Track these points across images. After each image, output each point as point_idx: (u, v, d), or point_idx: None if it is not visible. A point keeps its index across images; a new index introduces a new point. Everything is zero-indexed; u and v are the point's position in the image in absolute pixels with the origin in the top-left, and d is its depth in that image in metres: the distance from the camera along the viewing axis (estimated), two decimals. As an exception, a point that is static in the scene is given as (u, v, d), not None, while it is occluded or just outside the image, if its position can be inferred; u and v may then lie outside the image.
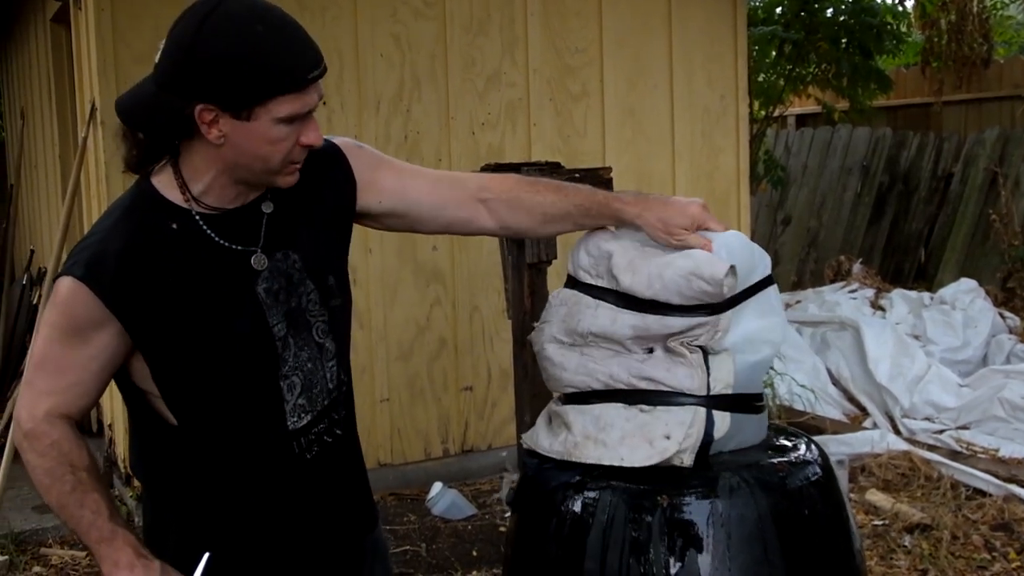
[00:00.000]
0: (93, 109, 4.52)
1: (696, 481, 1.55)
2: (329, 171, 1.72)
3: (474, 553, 4.17)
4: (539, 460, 1.70)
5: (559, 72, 5.28)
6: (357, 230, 4.98)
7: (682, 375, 1.59)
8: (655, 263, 1.60)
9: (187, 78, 1.48)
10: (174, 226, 1.58)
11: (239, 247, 1.61)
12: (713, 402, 1.59)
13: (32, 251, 7.05)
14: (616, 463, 1.58)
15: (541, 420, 1.78)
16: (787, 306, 7.15)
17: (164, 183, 1.61)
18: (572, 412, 1.67)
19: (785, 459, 1.64)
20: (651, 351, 1.62)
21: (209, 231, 1.60)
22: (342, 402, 1.74)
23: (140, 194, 1.62)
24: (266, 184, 1.61)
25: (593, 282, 1.68)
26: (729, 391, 1.59)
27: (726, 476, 1.55)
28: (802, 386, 5.58)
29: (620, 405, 1.62)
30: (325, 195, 1.71)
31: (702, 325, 1.59)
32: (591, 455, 1.61)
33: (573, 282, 1.73)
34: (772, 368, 5.33)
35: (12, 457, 4.35)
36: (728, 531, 1.51)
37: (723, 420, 1.58)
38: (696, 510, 1.53)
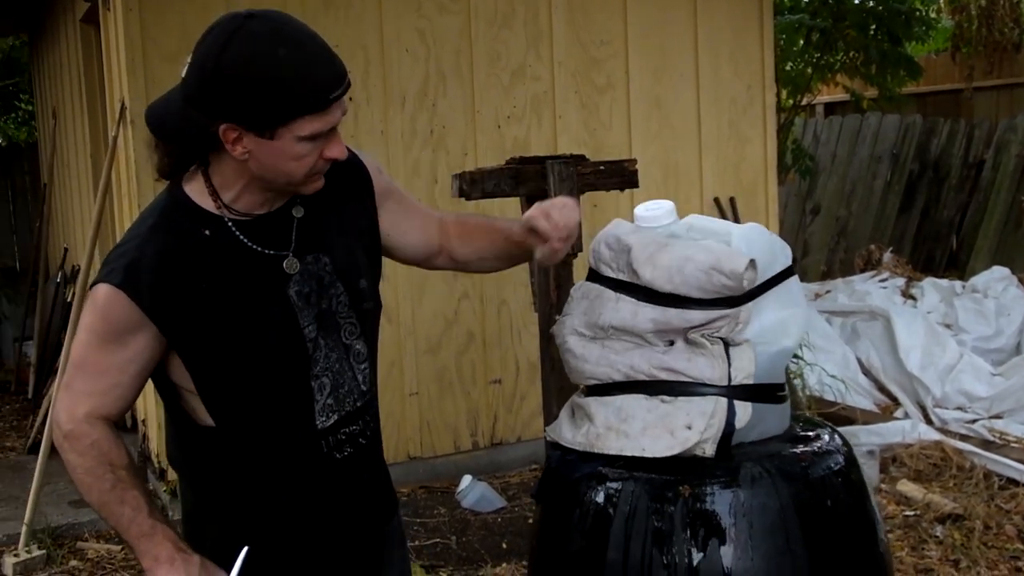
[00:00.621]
0: (123, 108, 4.57)
1: (718, 471, 1.55)
2: (357, 184, 1.79)
3: (504, 545, 4.19)
4: (562, 452, 1.71)
5: (584, 65, 5.27)
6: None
7: (703, 365, 1.59)
8: (675, 257, 1.60)
9: (212, 97, 1.51)
10: (207, 232, 1.62)
11: (271, 251, 1.65)
12: (734, 392, 1.59)
13: (66, 249, 7.14)
14: (638, 454, 1.59)
15: (564, 412, 1.79)
16: (816, 296, 7.11)
17: (195, 190, 1.64)
18: (594, 404, 1.68)
19: (808, 449, 1.64)
20: (672, 343, 1.62)
21: (242, 236, 1.63)
22: (374, 404, 1.79)
23: (173, 201, 1.65)
24: (291, 192, 1.66)
25: (614, 275, 1.69)
26: (750, 381, 1.59)
27: (748, 466, 1.56)
28: (832, 376, 5.55)
29: (642, 396, 1.63)
30: (353, 204, 1.78)
31: (723, 317, 1.59)
32: (613, 446, 1.62)
33: (595, 275, 1.74)
34: (802, 359, 5.31)
35: (48, 453, 4.42)
36: (750, 521, 1.51)
37: (744, 410, 1.58)
38: (718, 500, 1.53)
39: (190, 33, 4.41)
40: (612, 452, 1.62)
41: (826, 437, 1.69)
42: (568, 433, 1.71)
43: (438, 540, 4.27)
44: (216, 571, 1.62)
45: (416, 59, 4.90)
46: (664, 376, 1.61)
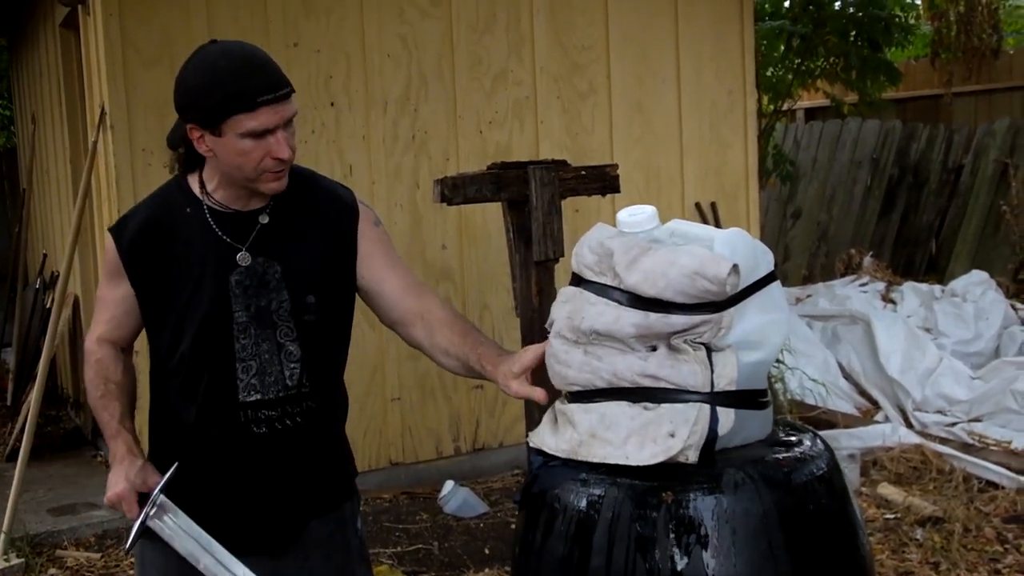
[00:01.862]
0: (103, 114, 4.54)
1: (701, 477, 1.55)
2: (342, 219, 2.04)
3: (486, 551, 4.19)
4: (545, 458, 1.70)
5: (566, 70, 5.29)
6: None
7: (686, 372, 1.59)
8: (658, 261, 1.59)
9: (178, 105, 1.90)
10: (188, 210, 1.98)
11: (230, 241, 1.96)
12: (717, 399, 1.59)
13: (45, 255, 7.09)
14: (622, 461, 1.58)
15: (546, 418, 1.78)
16: (797, 300, 7.14)
17: (192, 179, 2.01)
18: (577, 411, 1.67)
19: (790, 454, 1.64)
20: (654, 349, 1.62)
21: (212, 221, 1.96)
22: (302, 402, 1.99)
23: (175, 183, 2.04)
24: (252, 188, 1.93)
25: (596, 279, 1.68)
26: (733, 387, 1.59)
27: (731, 472, 1.55)
28: (813, 380, 5.57)
29: (625, 403, 1.62)
30: (329, 233, 2.01)
31: (705, 323, 1.59)
32: (597, 453, 1.61)
33: (577, 279, 1.74)
34: (782, 363, 5.33)
35: (27, 461, 4.39)
36: (733, 527, 1.51)
37: (727, 416, 1.58)
38: (701, 506, 1.52)
39: (171, 39, 4.42)
40: (596, 460, 1.62)
41: (808, 442, 1.69)
42: (551, 440, 1.71)
43: (420, 546, 4.26)
44: (152, 475, 1.94)
45: (398, 64, 4.89)
46: (647, 383, 1.61)
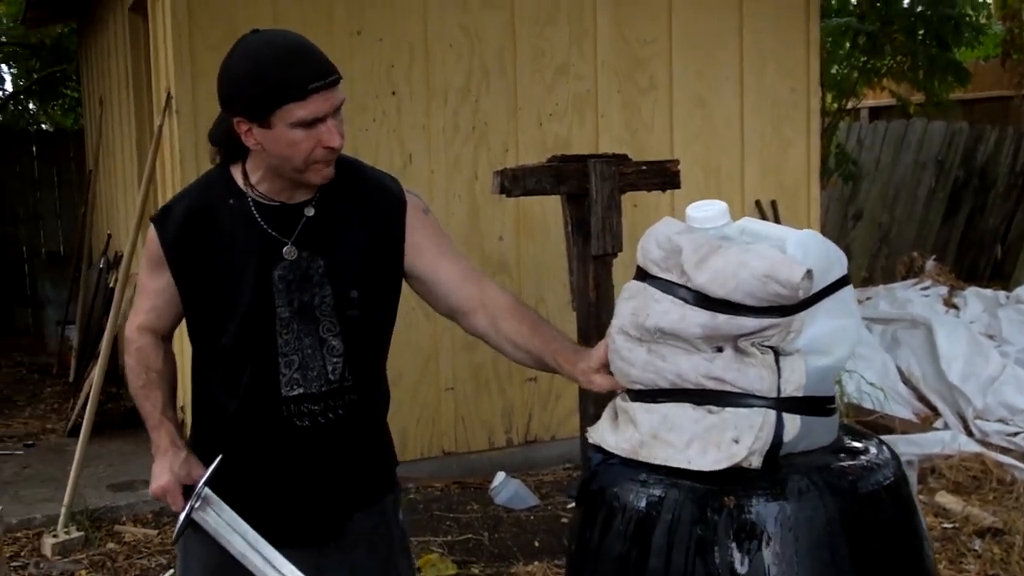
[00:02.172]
0: (168, 98, 4.61)
1: (764, 482, 1.52)
2: (389, 211, 1.99)
3: (536, 544, 4.19)
4: (604, 455, 1.68)
5: (627, 64, 5.25)
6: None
7: (752, 376, 1.55)
8: (729, 261, 1.55)
9: (223, 98, 1.86)
10: (231, 201, 1.93)
11: (275, 234, 1.92)
12: (783, 404, 1.55)
13: (109, 236, 7.22)
14: (683, 466, 1.56)
15: (606, 415, 1.76)
16: (857, 302, 7.03)
17: (236, 169, 1.96)
18: (639, 410, 1.65)
19: (856, 462, 1.60)
20: (720, 350, 1.58)
21: (257, 214, 1.92)
22: (344, 396, 1.97)
23: (217, 172, 1.99)
24: (300, 180, 1.88)
25: (662, 275, 1.64)
26: (800, 393, 1.55)
27: (795, 478, 1.52)
28: (871, 384, 5.48)
29: (688, 405, 1.59)
30: (374, 225, 1.97)
31: (774, 326, 1.55)
32: (658, 455, 1.59)
33: (642, 274, 1.70)
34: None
35: (88, 437, 4.48)
36: (796, 534, 1.48)
37: (793, 423, 1.55)
38: (763, 512, 1.49)
39: (236, 23, 4.45)
40: (656, 462, 1.59)
41: (874, 450, 1.65)
42: (611, 437, 1.68)
43: (470, 536, 4.27)
44: (197, 467, 1.93)
45: (460, 55, 4.90)
46: (712, 385, 1.58)
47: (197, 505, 1.87)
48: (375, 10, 4.72)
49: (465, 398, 5.03)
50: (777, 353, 1.57)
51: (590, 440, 1.74)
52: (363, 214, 1.97)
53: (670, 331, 1.60)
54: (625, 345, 1.67)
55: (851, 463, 1.59)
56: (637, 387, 1.66)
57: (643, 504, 1.57)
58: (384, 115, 4.77)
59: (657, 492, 1.56)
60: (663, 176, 3.59)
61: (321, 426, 1.95)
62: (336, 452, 1.99)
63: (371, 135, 4.73)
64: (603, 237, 3.37)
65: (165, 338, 2.07)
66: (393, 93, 4.78)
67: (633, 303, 1.67)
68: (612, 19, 5.19)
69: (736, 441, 1.53)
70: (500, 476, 4.71)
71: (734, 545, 1.49)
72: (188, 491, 1.90)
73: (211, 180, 1.99)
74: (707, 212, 1.66)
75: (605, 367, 1.75)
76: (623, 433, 1.66)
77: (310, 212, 1.93)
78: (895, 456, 1.66)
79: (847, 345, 1.63)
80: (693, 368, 1.59)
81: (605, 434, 1.71)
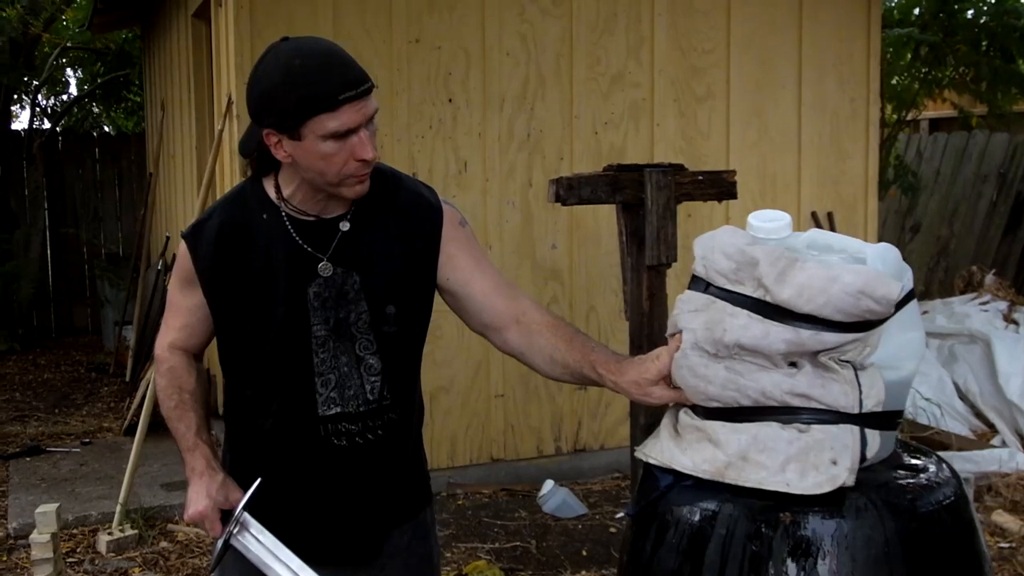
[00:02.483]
0: (230, 102, 4.68)
1: (821, 499, 1.49)
2: (424, 223, 1.93)
3: (584, 553, 4.17)
4: (676, 476, 1.61)
5: (684, 73, 5.23)
6: (477, 223, 4.96)
7: (836, 392, 1.51)
8: (816, 276, 1.50)
9: (252, 109, 1.79)
10: (265, 216, 1.88)
11: (310, 249, 1.86)
12: (865, 420, 1.52)
13: (168, 237, 7.33)
14: (782, 488, 1.50)
15: (665, 433, 1.68)
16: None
17: (268, 182, 1.90)
18: (722, 430, 1.57)
19: (915, 480, 1.56)
20: (794, 365, 1.54)
21: (291, 229, 1.86)
22: (383, 415, 1.92)
23: (251, 185, 1.93)
24: (335, 194, 1.83)
25: (732, 288, 1.58)
26: (879, 408, 1.52)
27: (853, 496, 1.49)
28: (927, 399, 5.40)
29: (775, 424, 1.54)
30: (411, 239, 1.91)
31: (855, 341, 1.51)
32: (750, 478, 1.52)
33: (705, 285, 1.63)
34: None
35: (144, 436, 4.55)
36: (852, 553, 1.45)
37: (874, 439, 1.52)
38: (820, 529, 1.47)
39: (297, 30, 4.50)
40: (748, 484, 1.52)
41: (934, 468, 1.62)
42: (684, 459, 1.60)
43: (518, 543, 4.27)
44: (234, 491, 1.87)
45: (517, 62, 4.91)
46: (796, 402, 1.52)
47: (235, 530, 1.83)
48: (433, 18, 4.75)
49: (515, 405, 5.03)
50: (854, 368, 1.54)
51: (653, 460, 1.65)
52: (399, 228, 1.91)
53: (751, 347, 1.54)
54: (701, 362, 1.59)
55: (911, 481, 1.56)
56: (714, 405, 1.59)
57: (697, 518, 1.54)
58: (440, 122, 4.80)
59: (711, 506, 1.54)
60: (720, 187, 3.56)
61: (359, 446, 1.90)
62: (375, 471, 1.94)
63: (427, 142, 4.76)
64: (658, 247, 3.35)
65: (197, 356, 2.02)
66: (449, 100, 4.81)
67: (704, 317, 1.59)
68: (670, 28, 5.17)
69: (834, 462, 1.48)
70: (548, 484, 4.71)
71: (789, 562, 1.46)
72: (226, 516, 1.85)
73: (243, 194, 1.92)
74: (773, 223, 1.61)
75: (665, 379, 1.66)
76: (700, 453, 1.59)
77: (345, 227, 1.87)
78: (955, 474, 1.63)
79: (916, 358, 1.60)
80: (776, 385, 1.53)
81: (676, 454, 1.62)
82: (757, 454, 1.53)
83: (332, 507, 1.94)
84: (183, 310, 1.96)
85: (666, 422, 1.70)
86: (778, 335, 1.52)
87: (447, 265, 1.93)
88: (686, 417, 1.65)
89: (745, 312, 1.56)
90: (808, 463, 1.51)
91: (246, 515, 1.84)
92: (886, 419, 1.56)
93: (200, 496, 1.86)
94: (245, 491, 1.85)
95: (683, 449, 1.62)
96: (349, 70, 1.73)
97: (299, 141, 1.73)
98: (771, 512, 1.49)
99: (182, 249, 1.92)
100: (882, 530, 1.47)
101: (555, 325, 1.88)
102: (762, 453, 1.53)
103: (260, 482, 1.85)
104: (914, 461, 1.64)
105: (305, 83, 1.69)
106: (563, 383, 5.00)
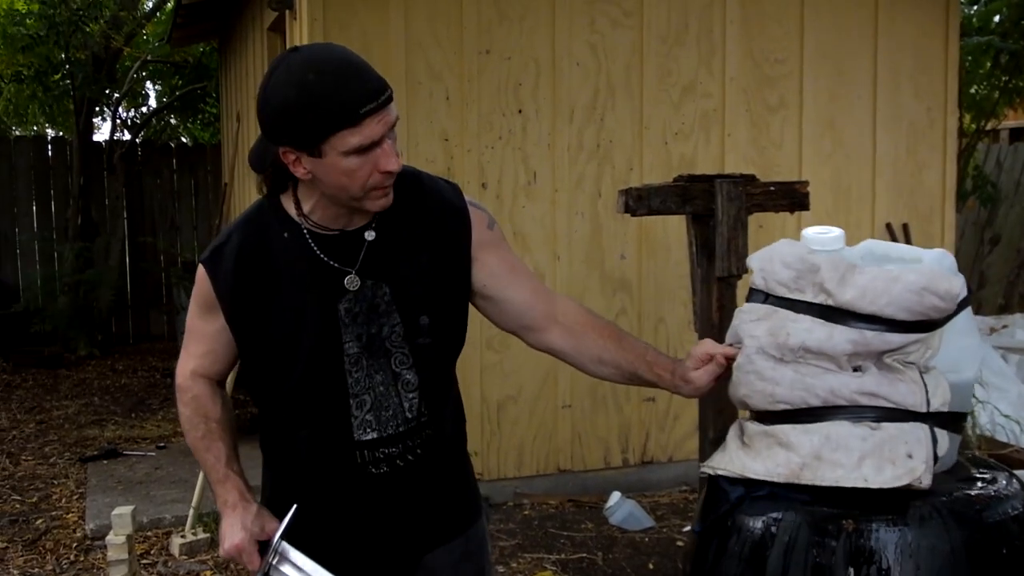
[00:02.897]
0: (303, 114, 4.74)
1: (885, 507, 1.48)
2: (453, 226, 1.85)
3: (650, 566, 4.15)
4: (746, 487, 1.60)
5: (756, 82, 5.18)
6: (546, 233, 4.97)
7: (904, 391, 1.52)
8: (878, 277, 1.52)
9: (266, 127, 1.69)
10: (285, 235, 1.79)
11: (336, 265, 1.78)
12: (933, 419, 1.52)
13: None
14: (859, 484, 1.50)
15: (733, 443, 1.68)
16: (992, 330, 6.76)
17: (286, 199, 1.81)
18: (793, 432, 1.57)
19: (982, 491, 1.55)
20: (858, 369, 1.54)
21: (314, 245, 1.78)
22: (423, 432, 1.84)
23: (267, 204, 1.83)
24: (358, 208, 1.75)
25: (791, 296, 1.60)
26: (946, 408, 1.52)
27: (917, 504, 1.48)
28: (1005, 416, 5.25)
29: (846, 423, 1.54)
30: (441, 243, 1.84)
31: (918, 342, 1.52)
32: (827, 476, 1.53)
33: (764, 296, 1.66)
34: (974, 395, 5.05)
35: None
36: (917, 562, 1.44)
37: (943, 438, 1.52)
38: (884, 538, 1.45)
39: (370, 43, 4.58)
40: (825, 483, 1.53)
41: (1003, 480, 1.60)
42: (756, 465, 1.60)
43: (584, 555, 4.26)
44: (270, 521, 1.79)
45: (586, 73, 4.91)
46: (865, 401, 1.53)
47: (275, 561, 1.76)
48: (504, 29, 4.78)
49: (582, 416, 5.02)
50: (919, 369, 1.53)
51: (721, 471, 1.65)
52: (427, 232, 1.83)
53: (816, 350, 1.56)
54: (767, 365, 1.60)
55: (977, 491, 1.54)
56: (782, 407, 1.60)
57: (759, 525, 1.54)
58: (510, 133, 4.82)
59: (774, 514, 1.53)
60: (792, 197, 3.52)
61: (400, 470, 1.83)
62: (417, 493, 1.87)
63: (496, 152, 4.79)
64: (728, 258, 3.33)
65: (220, 383, 1.94)
66: (519, 111, 4.83)
67: (767, 324, 1.62)
68: (742, 38, 5.13)
69: (910, 456, 1.49)
70: (615, 496, 4.68)
71: (851, 571, 1.45)
72: (263, 547, 1.78)
73: (261, 213, 1.83)
74: (826, 235, 1.66)
75: (708, 361, 1.71)
76: (772, 458, 1.59)
77: (371, 236, 1.79)
78: (1024, 487, 1.60)
79: (975, 364, 1.60)
80: (844, 384, 1.54)
81: (747, 462, 1.62)
82: (831, 453, 1.54)
83: (374, 531, 1.87)
84: (205, 336, 1.87)
85: (732, 435, 1.71)
86: (843, 336, 1.54)
87: (482, 272, 1.87)
88: (753, 426, 1.65)
89: (808, 317, 1.57)
90: (884, 458, 1.51)
91: (284, 544, 1.77)
92: (952, 420, 1.56)
93: (235, 529, 1.79)
94: (282, 519, 1.78)
95: (753, 457, 1.62)
96: (367, 80, 1.64)
97: (320, 158, 1.65)
98: (834, 520, 1.48)
99: (200, 274, 1.83)
100: (947, 539, 1.45)
101: (598, 325, 1.87)
102: (836, 451, 1.53)
103: (296, 509, 1.77)
104: (981, 473, 1.62)
105: (323, 98, 1.60)
106: (631, 392, 5.01)
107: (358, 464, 1.80)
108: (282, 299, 1.78)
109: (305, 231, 1.78)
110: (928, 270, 1.53)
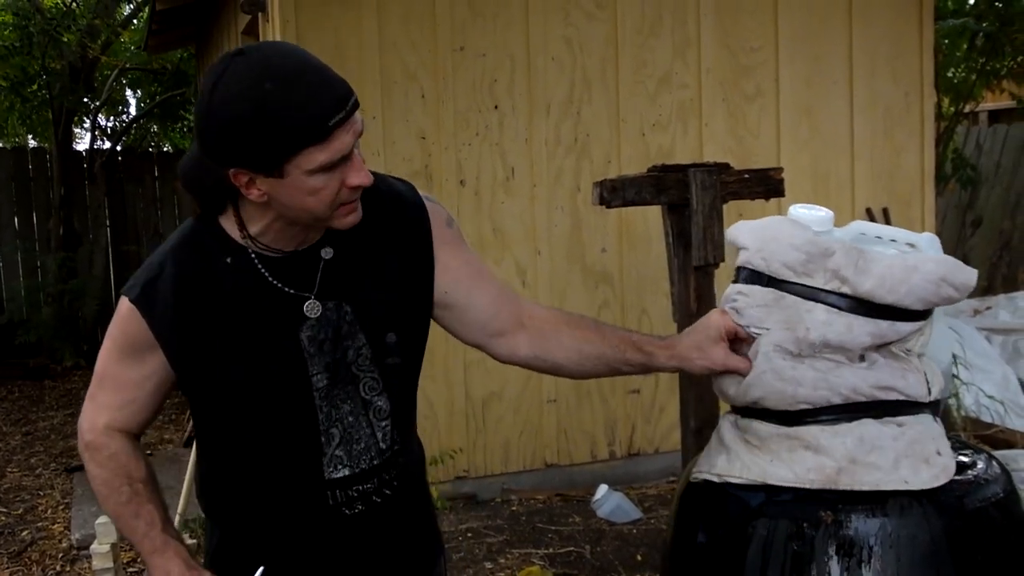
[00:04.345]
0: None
1: (864, 497, 1.46)
2: (412, 228, 1.66)
3: (638, 557, 4.14)
4: (768, 493, 1.52)
5: (732, 72, 5.18)
6: (526, 229, 4.97)
7: (913, 381, 1.49)
8: (893, 266, 1.48)
9: (212, 145, 1.44)
10: (228, 260, 1.57)
11: (292, 291, 1.58)
12: (931, 408, 1.52)
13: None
14: (900, 487, 1.46)
15: (737, 446, 1.58)
16: (976, 312, 6.78)
17: (225, 219, 1.59)
18: (822, 434, 1.50)
19: (962, 477, 1.53)
20: (862, 359, 1.50)
21: (264, 270, 1.57)
22: (396, 462, 1.67)
23: (202, 226, 1.60)
24: (323, 227, 1.56)
25: (798, 280, 1.51)
26: (940, 397, 1.52)
27: (897, 494, 1.46)
28: (990, 397, 5.26)
29: (872, 421, 1.50)
30: (401, 249, 1.65)
31: (919, 330, 1.50)
32: (864, 480, 1.47)
33: (767, 279, 1.54)
34: (957, 377, 5.07)
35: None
36: (897, 553, 1.42)
37: (940, 429, 1.52)
38: (863, 529, 1.43)
39: (343, 44, 4.56)
40: (864, 488, 1.47)
41: (983, 464, 1.58)
42: (781, 470, 1.51)
43: (572, 548, 4.25)
44: None
45: (562, 67, 4.90)
46: (881, 395, 1.50)
47: None
48: (477, 25, 4.76)
49: (568, 410, 5.02)
50: (917, 357, 1.54)
51: (735, 479, 1.55)
52: (386, 239, 1.63)
53: (837, 344, 1.49)
54: (787, 364, 1.51)
55: (958, 478, 1.52)
56: (801, 407, 1.52)
57: (738, 518, 1.52)
58: (487, 129, 4.80)
59: (752, 506, 1.51)
60: (767, 184, 3.52)
61: (376, 506, 1.65)
62: (392, 530, 1.70)
63: (474, 149, 4.78)
64: (704, 247, 3.33)
65: (138, 436, 1.70)
66: (496, 107, 4.82)
67: (779, 315, 1.51)
68: (716, 27, 5.13)
69: (939, 453, 1.46)
70: (602, 489, 4.68)
71: (832, 563, 1.43)
72: None
73: (197, 238, 1.59)
74: (814, 215, 1.58)
75: (725, 340, 1.55)
76: (801, 463, 1.50)
77: (328, 254, 1.59)
78: (1005, 471, 1.58)
79: (948, 349, 1.60)
80: (863, 380, 1.50)
81: (766, 467, 1.52)
82: (866, 455, 1.48)
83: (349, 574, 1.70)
84: (126, 384, 1.62)
85: (732, 436, 1.61)
86: (862, 328, 1.48)
87: (444, 276, 1.67)
88: (763, 426, 1.56)
89: (821, 307, 1.50)
90: (918, 458, 1.47)
91: None
92: (939, 407, 1.56)
93: None
94: None
95: (770, 461, 1.53)
96: (331, 86, 1.43)
97: (280, 179, 1.43)
98: (813, 512, 1.46)
99: (126, 313, 1.58)
100: (928, 528, 1.44)
101: (572, 319, 1.71)
102: (871, 454, 1.47)
103: (263, 570, 1.60)
104: (961, 458, 1.60)
105: (285, 112, 1.37)
106: (615, 385, 5.01)
107: (330, 506, 1.61)
108: (235, 335, 1.56)
109: (252, 255, 1.56)
110: (945, 260, 1.49)
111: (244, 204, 1.55)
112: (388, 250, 1.64)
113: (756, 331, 1.54)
